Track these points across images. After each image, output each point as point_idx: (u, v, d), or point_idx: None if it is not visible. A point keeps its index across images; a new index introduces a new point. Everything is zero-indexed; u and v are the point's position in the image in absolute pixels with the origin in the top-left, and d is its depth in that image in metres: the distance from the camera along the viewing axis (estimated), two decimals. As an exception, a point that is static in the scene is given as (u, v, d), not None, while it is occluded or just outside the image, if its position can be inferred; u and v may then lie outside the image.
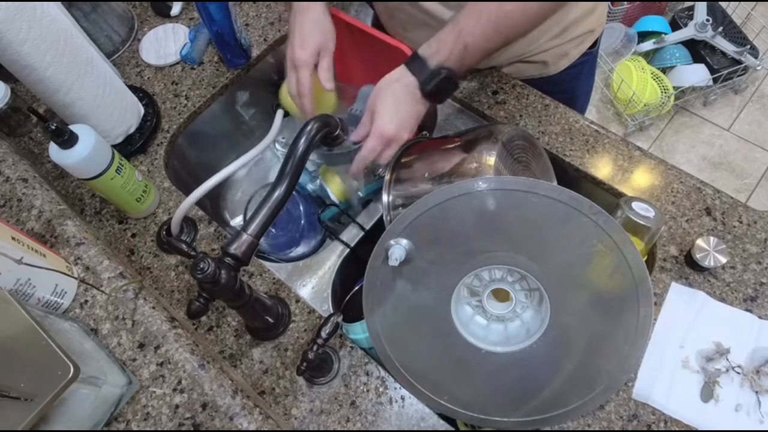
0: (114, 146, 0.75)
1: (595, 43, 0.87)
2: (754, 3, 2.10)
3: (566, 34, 0.80)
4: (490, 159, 0.64)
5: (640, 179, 0.78)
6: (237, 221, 1.02)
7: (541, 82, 0.87)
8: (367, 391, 0.64)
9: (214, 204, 1.02)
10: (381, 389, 0.64)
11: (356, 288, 0.77)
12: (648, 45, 1.97)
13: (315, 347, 0.56)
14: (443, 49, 0.61)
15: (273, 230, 0.89)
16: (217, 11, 0.82)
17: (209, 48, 0.95)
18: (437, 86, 0.62)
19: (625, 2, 1.98)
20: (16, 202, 0.70)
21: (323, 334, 0.56)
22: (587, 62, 0.89)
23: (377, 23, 0.94)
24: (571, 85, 0.91)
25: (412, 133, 0.66)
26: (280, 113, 0.80)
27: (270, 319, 0.66)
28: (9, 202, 0.70)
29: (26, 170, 0.73)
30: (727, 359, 0.64)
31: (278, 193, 0.53)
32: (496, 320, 0.63)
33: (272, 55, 0.98)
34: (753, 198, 1.83)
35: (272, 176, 1.06)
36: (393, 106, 0.63)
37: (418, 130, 0.96)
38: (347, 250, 0.81)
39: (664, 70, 1.93)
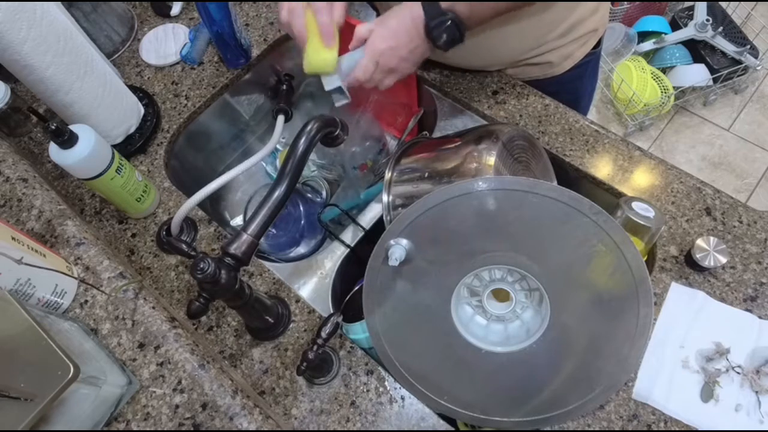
0: (114, 146, 0.75)
1: (599, 44, 0.88)
2: (754, 3, 2.10)
3: (571, 33, 0.80)
4: (490, 159, 0.64)
5: (640, 179, 0.78)
6: (237, 221, 1.02)
7: (545, 83, 0.87)
8: (367, 391, 0.64)
9: (214, 204, 1.02)
10: (381, 389, 0.64)
11: (356, 288, 0.77)
12: (648, 45, 1.97)
13: (315, 347, 0.56)
14: None
15: (273, 230, 0.89)
16: (217, 11, 0.82)
17: (209, 48, 0.95)
18: (442, 28, 0.62)
19: (625, 2, 1.98)
20: (16, 202, 0.70)
21: (323, 334, 0.56)
22: (591, 62, 0.89)
23: None
24: (575, 86, 0.91)
25: (404, 66, 0.66)
26: (280, 119, 0.80)
27: (270, 319, 0.66)
28: (9, 202, 0.70)
29: (26, 170, 0.73)
30: (727, 359, 0.64)
31: (278, 193, 0.52)
32: (496, 320, 0.63)
33: (272, 56, 0.98)
34: (753, 198, 1.83)
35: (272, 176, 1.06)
36: (393, 28, 0.64)
37: (418, 130, 0.96)
38: (347, 250, 0.81)
39: (664, 70, 1.93)
